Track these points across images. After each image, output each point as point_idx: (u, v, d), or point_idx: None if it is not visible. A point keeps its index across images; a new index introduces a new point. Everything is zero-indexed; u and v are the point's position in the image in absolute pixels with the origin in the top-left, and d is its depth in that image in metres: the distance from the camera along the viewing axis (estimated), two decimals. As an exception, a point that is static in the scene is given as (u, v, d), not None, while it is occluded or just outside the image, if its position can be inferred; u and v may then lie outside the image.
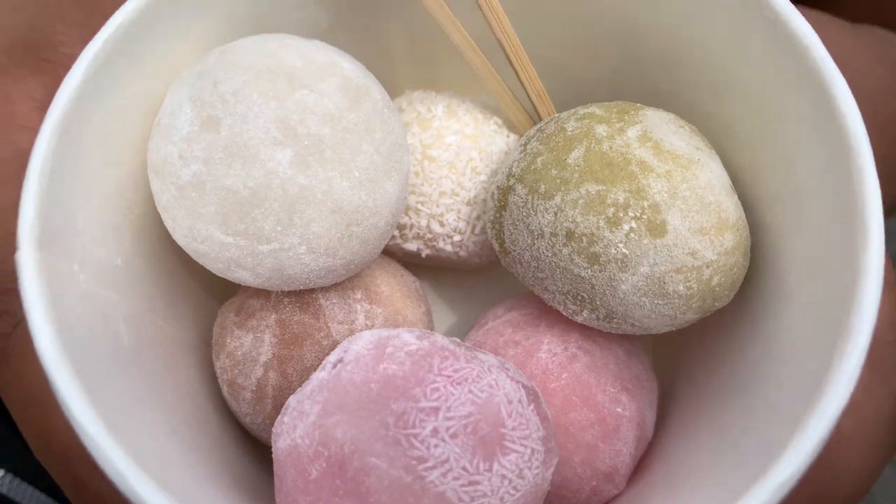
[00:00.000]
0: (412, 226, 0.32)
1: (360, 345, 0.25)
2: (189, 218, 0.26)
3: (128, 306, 0.27)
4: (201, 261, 0.27)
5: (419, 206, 0.31)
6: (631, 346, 0.32)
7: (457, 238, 0.32)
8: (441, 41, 0.31)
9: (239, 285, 0.32)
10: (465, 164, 0.31)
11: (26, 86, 0.29)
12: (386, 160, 0.27)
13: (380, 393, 0.23)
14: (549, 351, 0.30)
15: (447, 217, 0.32)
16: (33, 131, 0.27)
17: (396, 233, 0.33)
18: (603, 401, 0.29)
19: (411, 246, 0.33)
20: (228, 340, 0.31)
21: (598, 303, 0.27)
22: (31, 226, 0.22)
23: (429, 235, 0.32)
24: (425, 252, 0.33)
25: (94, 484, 0.23)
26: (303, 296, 0.30)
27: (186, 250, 0.27)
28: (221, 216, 0.25)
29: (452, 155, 0.31)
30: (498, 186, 0.29)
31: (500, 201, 0.29)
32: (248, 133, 0.24)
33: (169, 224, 0.27)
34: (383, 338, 0.25)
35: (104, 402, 0.22)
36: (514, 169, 0.28)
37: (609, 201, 0.25)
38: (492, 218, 0.30)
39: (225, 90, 0.25)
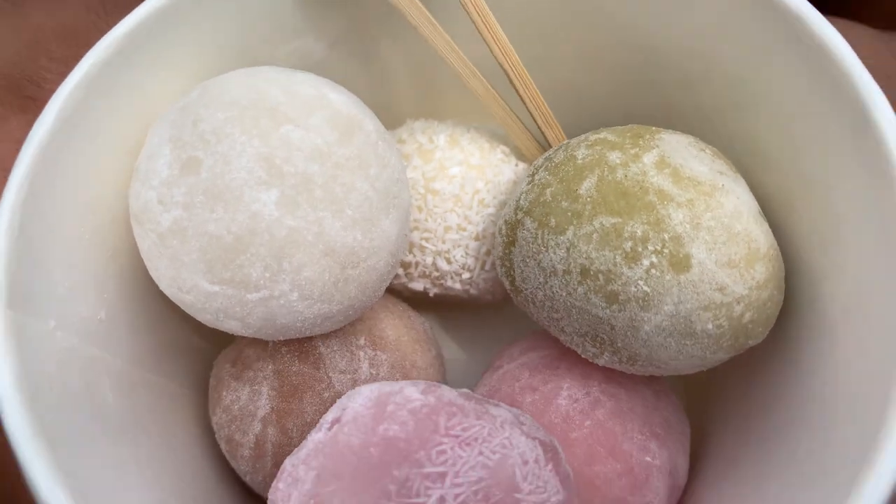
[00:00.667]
0: (417, 264, 0.30)
1: (358, 402, 0.23)
2: (172, 267, 0.24)
3: (114, 363, 0.25)
4: (189, 311, 0.25)
5: (424, 243, 0.29)
6: (659, 387, 0.29)
7: (465, 276, 0.30)
8: (443, 67, 0.29)
9: (236, 333, 0.30)
10: (472, 197, 0.29)
11: (9, 126, 0.28)
12: (382, 197, 0.25)
13: (380, 458, 0.21)
14: (570, 396, 0.27)
15: (454, 254, 0.29)
16: None
17: (401, 272, 0.31)
18: (630, 450, 0.27)
19: (417, 285, 0.31)
20: (224, 394, 0.29)
21: (619, 345, 0.25)
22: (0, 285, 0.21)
23: (435, 274, 0.30)
24: (433, 291, 0.31)
25: None
26: (302, 343, 0.28)
27: (173, 300, 0.25)
28: (205, 264, 0.23)
29: (457, 187, 0.29)
30: (506, 221, 0.27)
31: (508, 237, 0.27)
32: (231, 174, 0.22)
33: (153, 273, 0.25)
34: (384, 394, 0.23)
35: (81, 482, 0.20)
36: (521, 202, 0.26)
37: (626, 235, 0.23)
38: (500, 254, 0.27)
39: (205, 129, 0.23)
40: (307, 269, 0.24)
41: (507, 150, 0.31)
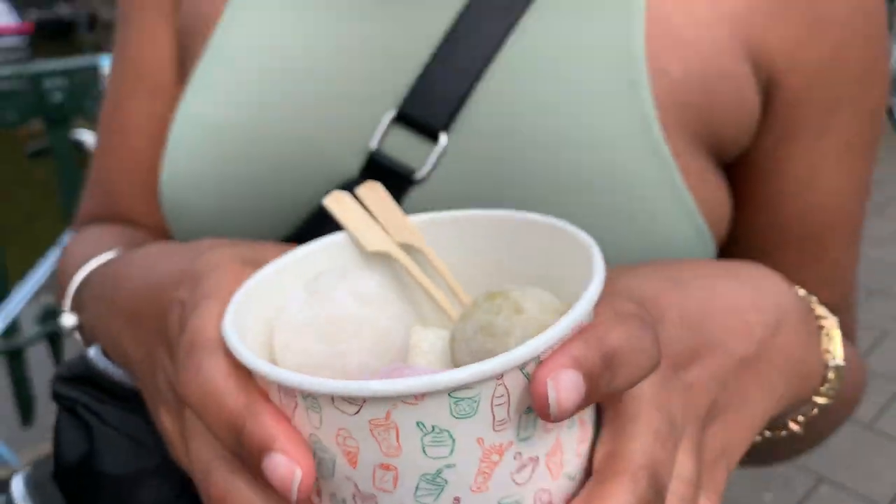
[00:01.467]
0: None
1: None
2: (299, 340, 0.51)
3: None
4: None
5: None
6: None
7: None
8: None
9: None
10: (441, 348, 0.57)
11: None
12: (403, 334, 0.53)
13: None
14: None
15: (431, 376, 0.55)
16: None
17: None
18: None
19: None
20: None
21: (503, 368, 0.50)
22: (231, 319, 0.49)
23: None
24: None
25: None
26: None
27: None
28: (316, 334, 0.51)
29: (430, 345, 0.57)
30: (451, 336, 0.54)
31: (451, 342, 0.54)
32: (332, 294, 0.52)
33: (282, 352, 0.52)
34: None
35: None
36: (454, 327, 0.54)
37: (495, 303, 0.51)
38: (451, 357, 0.54)
39: (319, 284, 0.54)
40: (364, 340, 0.51)
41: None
